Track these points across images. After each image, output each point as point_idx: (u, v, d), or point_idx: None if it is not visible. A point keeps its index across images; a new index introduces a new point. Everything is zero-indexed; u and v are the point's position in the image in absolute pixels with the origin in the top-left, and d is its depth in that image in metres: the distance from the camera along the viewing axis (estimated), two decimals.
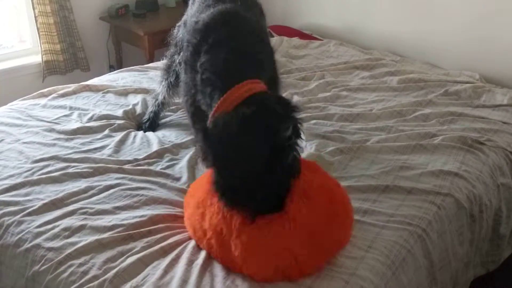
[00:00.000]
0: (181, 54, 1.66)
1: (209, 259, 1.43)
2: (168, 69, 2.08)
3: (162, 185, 1.75)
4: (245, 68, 1.46)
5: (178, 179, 1.80)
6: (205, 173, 1.61)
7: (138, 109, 2.26)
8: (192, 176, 1.81)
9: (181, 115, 2.25)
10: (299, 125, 1.36)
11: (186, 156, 1.91)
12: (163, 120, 2.21)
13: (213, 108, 1.42)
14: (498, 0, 2.51)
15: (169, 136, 2.07)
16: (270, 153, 1.28)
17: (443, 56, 2.77)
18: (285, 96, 1.45)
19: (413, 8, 2.85)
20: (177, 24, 2.09)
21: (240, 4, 1.67)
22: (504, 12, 2.50)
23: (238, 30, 1.54)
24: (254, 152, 1.29)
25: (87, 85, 2.43)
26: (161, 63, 2.22)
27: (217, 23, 1.55)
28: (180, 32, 2.01)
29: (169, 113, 2.25)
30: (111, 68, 3.48)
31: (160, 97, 2.11)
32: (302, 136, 1.38)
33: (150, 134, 2.09)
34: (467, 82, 2.50)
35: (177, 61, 1.99)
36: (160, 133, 2.10)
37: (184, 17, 1.99)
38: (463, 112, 2.24)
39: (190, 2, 1.94)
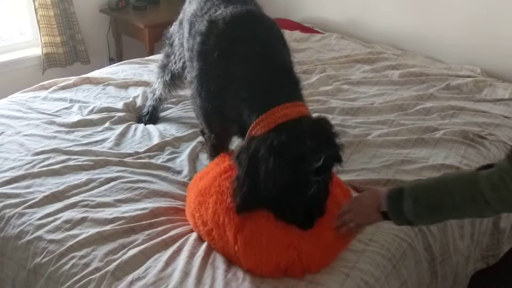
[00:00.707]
0: (195, 59, 1.57)
1: (210, 252, 1.43)
2: (163, 68, 2.06)
3: (163, 178, 1.75)
4: (283, 87, 1.43)
5: (179, 172, 1.80)
6: (210, 163, 1.60)
7: (139, 102, 2.25)
8: (193, 169, 1.81)
9: (182, 108, 2.25)
10: (336, 152, 1.35)
11: (187, 149, 1.91)
12: (164, 113, 2.21)
13: (248, 127, 1.39)
14: None
15: (170, 129, 2.07)
16: (296, 182, 1.29)
17: (444, 50, 2.76)
18: (325, 119, 1.42)
19: (415, 2, 2.83)
20: (174, 23, 2.03)
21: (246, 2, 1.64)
22: (505, 7, 2.49)
23: (266, 35, 1.50)
24: (279, 179, 1.29)
25: (88, 78, 2.42)
26: (159, 58, 2.20)
27: (244, 28, 1.50)
28: (176, 31, 1.95)
29: (170, 106, 2.25)
30: (111, 61, 3.47)
31: (157, 93, 2.11)
32: (341, 159, 1.36)
33: (151, 127, 2.08)
34: (469, 76, 2.49)
35: (173, 61, 1.95)
36: (161, 126, 2.10)
37: (181, 16, 1.92)
38: (465, 106, 2.23)
39: (187, 1, 1.89)
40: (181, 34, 1.84)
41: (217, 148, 1.64)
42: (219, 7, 1.59)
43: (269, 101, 1.37)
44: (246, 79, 1.43)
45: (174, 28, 2.01)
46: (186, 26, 1.75)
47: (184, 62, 1.85)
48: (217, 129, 1.62)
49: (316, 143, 1.30)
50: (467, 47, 2.68)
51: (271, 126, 1.34)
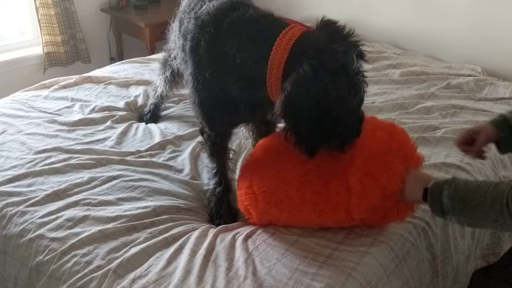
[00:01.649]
0: (188, 56, 1.54)
1: (212, 249, 1.44)
2: (164, 63, 2.06)
3: (165, 177, 1.75)
4: (276, 23, 1.39)
5: (180, 170, 1.80)
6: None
7: (140, 101, 2.25)
8: (194, 168, 1.81)
9: (183, 107, 2.25)
10: (358, 48, 1.33)
11: (188, 148, 1.92)
12: (165, 112, 2.21)
13: (261, 78, 1.33)
14: None
15: (171, 128, 2.07)
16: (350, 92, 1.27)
17: (445, 49, 2.76)
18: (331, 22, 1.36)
19: (415, 1, 2.84)
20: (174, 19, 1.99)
21: None
22: (506, 6, 2.50)
23: (251, 12, 1.44)
24: (341, 97, 1.25)
25: (89, 77, 2.43)
26: (161, 55, 2.19)
27: (227, 9, 1.46)
28: (176, 29, 1.90)
29: (171, 105, 2.25)
30: (112, 60, 3.48)
31: (159, 90, 2.11)
32: (365, 55, 1.36)
33: (152, 125, 2.09)
34: (469, 75, 2.50)
35: (172, 55, 1.95)
36: (162, 124, 2.10)
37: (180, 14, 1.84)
38: (465, 105, 2.24)
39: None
40: (175, 32, 1.84)
41: (217, 146, 1.63)
42: (204, 1, 1.58)
43: (270, 36, 1.32)
44: (242, 43, 1.38)
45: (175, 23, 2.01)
46: (176, 24, 1.76)
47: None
48: (217, 124, 1.59)
49: (346, 46, 1.28)
50: (467, 46, 2.68)
51: (286, 53, 1.28)
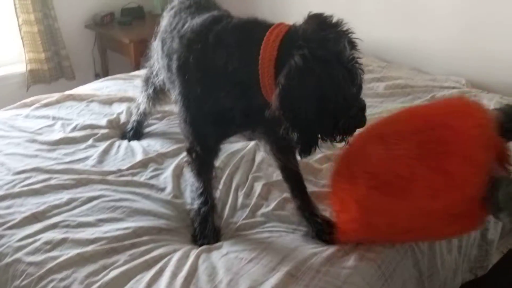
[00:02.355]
0: (175, 76, 1.51)
1: (194, 272, 1.40)
2: (147, 81, 2.04)
3: (146, 196, 1.72)
4: (257, 26, 1.37)
5: (162, 189, 1.77)
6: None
7: (123, 118, 2.22)
8: (176, 186, 1.78)
9: (166, 123, 2.22)
10: (349, 36, 1.31)
11: (171, 166, 1.89)
12: (148, 129, 2.18)
13: (254, 79, 1.30)
14: (484, 6, 2.52)
15: (154, 145, 2.04)
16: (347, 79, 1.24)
17: (429, 61, 2.77)
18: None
19: (400, 13, 2.85)
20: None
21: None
22: (490, 18, 2.51)
23: (234, 21, 1.44)
24: (337, 85, 1.22)
25: (71, 95, 2.40)
26: (143, 72, 2.17)
27: (210, 24, 1.45)
28: (155, 45, 1.90)
29: (154, 121, 2.23)
30: (97, 76, 3.45)
31: (142, 107, 2.08)
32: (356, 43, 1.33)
33: (134, 143, 2.06)
34: (454, 88, 2.50)
35: (154, 73, 1.93)
36: (145, 142, 2.08)
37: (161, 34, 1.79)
38: None
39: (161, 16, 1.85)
40: (157, 51, 1.83)
41: (205, 165, 1.59)
42: (186, 20, 1.57)
43: (256, 37, 1.30)
44: (230, 51, 1.36)
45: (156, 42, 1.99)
46: (158, 43, 1.74)
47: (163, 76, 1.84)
48: (210, 140, 1.56)
49: (335, 33, 1.26)
50: (452, 58, 2.69)
51: (275, 50, 1.26)
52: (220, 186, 1.74)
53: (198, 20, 1.52)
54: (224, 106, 1.43)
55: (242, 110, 1.44)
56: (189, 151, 1.60)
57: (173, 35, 1.58)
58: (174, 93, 1.59)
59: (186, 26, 1.54)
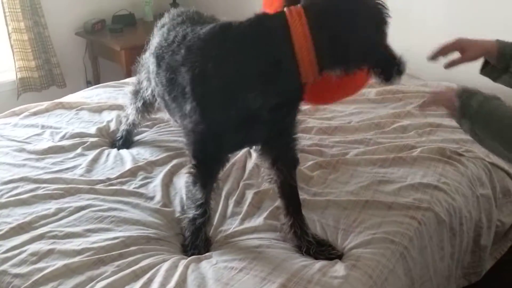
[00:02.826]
0: (188, 88, 1.47)
1: (183, 283, 1.38)
2: (136, 94, 2.01)
3: (135, 205, 1.70)
4: (270, 15, 1.44)
5: (151, 198, 1.75)
6: None
7: (112, 126, 2.21)
8: (165, 195, 1.76)
9: (156, 131, 2.21)
10: None
11: (160, 174, 1.87)
12: (138, 137, 2.16)
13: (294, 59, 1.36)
14: (475, 13, 2.52)
15: (144, 153, 2.02)
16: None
17: (421, 66, 2.76)
18: None
19: (392, 20, 2.84)
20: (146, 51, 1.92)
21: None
22: (479, 24, 2.52)
23: (245, 22, 1.45)
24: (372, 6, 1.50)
25: (60, 103, 2.38)
26: (131, 84, 2.15)
27: (221, 30, 1.47)
28: (145, 62, 1.89)
29: (144, 129, 2.21)
30: (88, 84, 3.43)
31: (131, 118, 2.06)
32: None
33: (124, 151, 2.04)
34: None
35: (144, 88, 1.90)
36: (134, 150, 2.05)
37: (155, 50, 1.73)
38: (442, 123, 2.23)
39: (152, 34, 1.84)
40: (147, 68, 1.80)
41: (212, 177, 1.55)
42: (185, 32, 1.55)
43: (277, 24, 1.37)
44: (255, 46, 1.40)
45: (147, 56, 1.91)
46: (151, 60, 1.70)
47: (152, 90, 1.81)
48: (227, 148, 1.55)
49: None
50: (443, 63, 2.69)
51: (306, 26, 1.34)
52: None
53: (202, 30, 1.50)
54: (251, 107, 1.41)
55: (271, 105, 1.43)
56: (197, 164, 1.53)
57: (173, 48, 1.55)
58: (185, 109, 1.52)
59: (189, 38, 1.52)
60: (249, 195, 1.75)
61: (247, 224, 1.63)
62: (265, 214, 1.66)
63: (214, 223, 1.64)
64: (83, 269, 1.42)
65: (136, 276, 1.40)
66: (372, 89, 2.54)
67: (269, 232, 1.60)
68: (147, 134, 2.19)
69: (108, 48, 3.23)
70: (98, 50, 3.36)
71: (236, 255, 1.49)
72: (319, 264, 1.45)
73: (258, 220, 1.64)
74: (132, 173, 1.88)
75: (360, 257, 1.47)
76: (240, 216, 1.67)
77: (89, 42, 3.36)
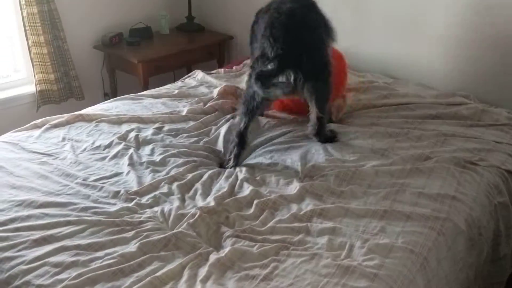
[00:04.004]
0: None
1: None
2: None
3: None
4: None
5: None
6: None
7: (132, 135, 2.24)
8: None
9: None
10: None
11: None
12: None
13: None
14: (490, 22, 2.52)
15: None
16: None
17: (436, 77, 2.77)
18: None
19: (406, 31, 2.86)
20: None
21: None
22: (493, 34, 2.51)
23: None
24: None
25: (81, 115, 2.42)
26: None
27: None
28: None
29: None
30: (106, 96, 3.49)
31: None
32: None
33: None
34: (460, 103, 2.49)
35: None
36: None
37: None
38: (456, 132, 2.22)
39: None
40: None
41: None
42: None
43: None
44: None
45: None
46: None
47: None
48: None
49: None
50: (459, 73, 2.69)
51: None
52: None
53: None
54: None
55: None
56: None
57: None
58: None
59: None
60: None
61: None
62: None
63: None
64: (104, 279, 1.45)
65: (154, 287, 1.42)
66: (387, 99, 2.55)
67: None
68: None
69: (125, 60, 3.29)
70: (115, 63, 3.42)
71: (255, 261, 1.51)
72: (339, 272, 1.45)
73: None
74: (153, 187, 1.90)
75: (382, 267, 1.47)
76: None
77: (107, 55, 3.42)
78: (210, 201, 1.79)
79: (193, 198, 1.84)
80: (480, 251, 1.79)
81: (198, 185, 1.90)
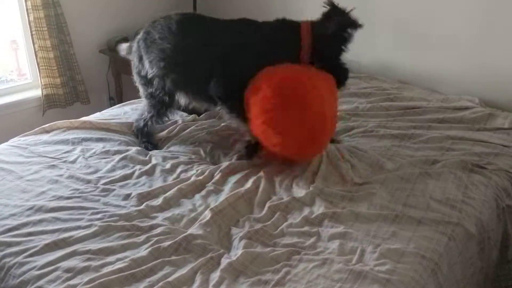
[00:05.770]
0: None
1: None
2: None
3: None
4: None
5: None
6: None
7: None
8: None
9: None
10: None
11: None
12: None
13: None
14: (496, 25, 2.53)
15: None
16: None
17: (442, 81, 2.77)
18: None
19: (411, 34, 2.87)
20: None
21: None
22: (502, 37, 2.52)
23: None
24: None
25: (89, 120, 2.43)
26: None
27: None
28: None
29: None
30: (111, 100, 3.50)
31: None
32: None
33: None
34: (467, 107, 2.50)
35: None
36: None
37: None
38: (464, 136, 2.23)
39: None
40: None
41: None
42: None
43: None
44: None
45: None
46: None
47: None
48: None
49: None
50: (465, 77, 2.70)
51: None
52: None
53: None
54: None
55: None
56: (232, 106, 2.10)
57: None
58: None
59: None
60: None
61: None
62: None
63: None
64: (116, 285, 1.45)
65: None
66: (393, 103, 2.56)
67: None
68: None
69: (131, 64, 3.28)
70: (121, 67, 3.43)
71: (267, 266, 1.51)
72: (352, 278, 1.45)
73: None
74: (163, 190, 1.91)
75: (394, 272, 1.47)
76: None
77: (112, 59, 3.43)
78: (222, 201, 1.80)
79: (205, 199, 1.85)
80: (489, 254, 1.79)
81: (209, 186, 1.91)
